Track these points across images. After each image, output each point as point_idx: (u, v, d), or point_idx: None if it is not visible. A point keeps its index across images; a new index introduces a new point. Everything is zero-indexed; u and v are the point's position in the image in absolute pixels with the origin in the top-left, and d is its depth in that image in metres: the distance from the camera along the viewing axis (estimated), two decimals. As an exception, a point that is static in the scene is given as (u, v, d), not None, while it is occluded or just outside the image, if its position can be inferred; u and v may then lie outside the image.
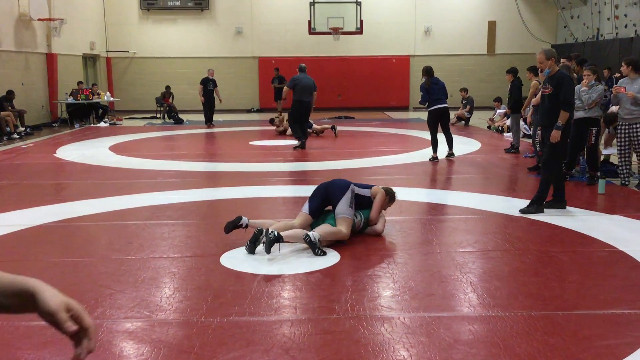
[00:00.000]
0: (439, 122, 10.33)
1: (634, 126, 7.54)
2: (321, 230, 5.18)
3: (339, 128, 14.62)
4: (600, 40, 18.27)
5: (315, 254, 5.02)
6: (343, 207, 5.39)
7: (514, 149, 11.16)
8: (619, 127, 7.71)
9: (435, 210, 6.81)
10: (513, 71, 11.34)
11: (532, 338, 3.45)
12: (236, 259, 4.95)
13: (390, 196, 5.80)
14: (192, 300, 4.10)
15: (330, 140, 13.61)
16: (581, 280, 4.47)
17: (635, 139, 7.56)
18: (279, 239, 4.92)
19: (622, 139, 7.67)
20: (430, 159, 10.25)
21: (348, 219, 5.37)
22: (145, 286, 4.35)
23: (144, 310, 3.92)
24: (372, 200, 5.67)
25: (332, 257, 4.98)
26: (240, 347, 3.35)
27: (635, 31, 16.24)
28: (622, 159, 7.80)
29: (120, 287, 4.33)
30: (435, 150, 10.31)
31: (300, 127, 11.90)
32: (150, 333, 3.57)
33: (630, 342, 3.37)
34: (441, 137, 10.46)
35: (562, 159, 6.74)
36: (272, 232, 4.92)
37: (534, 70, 9.94)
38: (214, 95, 16.45)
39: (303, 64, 12.39)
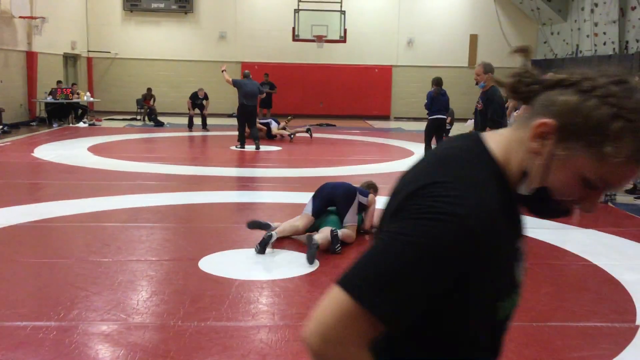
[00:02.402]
0: (435, 131, 10.59)
1: None
2: (341, 232, 5.47)
3: (320, 135, 14.69)
4: (579, 56, 18.59)
5: (334, 250, 5.25)
6: (351, 217, 5.67)
7: None
8: None
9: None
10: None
11: (507, 349, 3.47)
12: (214, 264, 4.94)
13: (374, 189, 6.19)
14: (169, 304, 4.09)
15: (312, 146, 13.65)
16: (555, 292, 4.54)
17: None
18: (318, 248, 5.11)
19: None
20: None
21: (355, 225, 5.70)
22: (122, 289, 4.32)
23: (120, 313, 3.89)
24: (367, 206, 5.92)
25: (311, 265, 4.99)
26: (217, 352, 3.34)
27: (614, 49, 16.57)
28: None
29: (96, 289, 4.30)
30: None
31: (244, 131, 12.89)
32: (127, 336, 3.55)
33: (602, 354, 3.43)
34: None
35: None
36: (315, 241, 5.07)
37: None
38: (203, 104, 16.58)
39: (247, 71, 13.59)
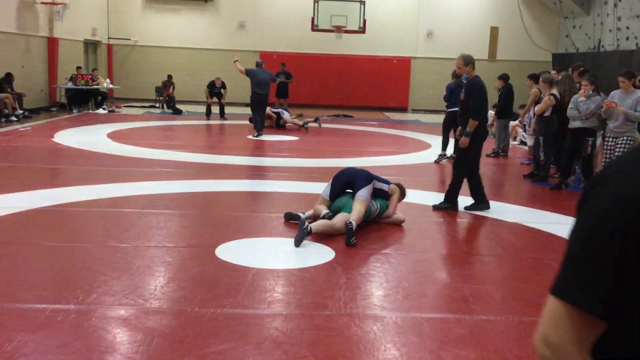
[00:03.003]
0: (453, 124, 10.57)
1: (620, 139, 7.49)
2: (354, 218, 5.49)
3: (337, 126, 14.68)
4: (601, 51, 18.34)
5: (350, 243, 5.24)
6: (363, 193, 5.75)
7: (494, 153, 11.32)
8: (606, 140, 7.69)
9: (431, 212, 6.85)
10: (505, 77, 11.53)
11: (523, 343, 3.48)
12: (231, 252, 4.97)
13: (402, 193, 6.21)
14: (186, 290, 4.12)
15: (328, 137, 13.65)
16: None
17: (620, 152, 7.49)
18: (309, 233, 5.21)
19: (608, 152, 7.63)
20: (438, 156, 10.56)
21: (364, 201, 5.72)
22: (140, 274, 4.37)
23: (138, 298, 3.93)
24: (388, 194, 6.05)
25: (327, 255, 5.00)
26: (233, 339, 3.37)
27: (637, 44, 16.32)
28: None
29: (114, 274, 4.35)
30: (443, 148, 10.58)
31: (258, 117, 13.07)
32: (144, 321, 3.59)
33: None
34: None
35: (471, 165, 6.77)
36: (307, 226, 5.17)
37: (534, 77, 9.99)
38: (221, 93, 16.64)
39: (260, 60, 13.86)
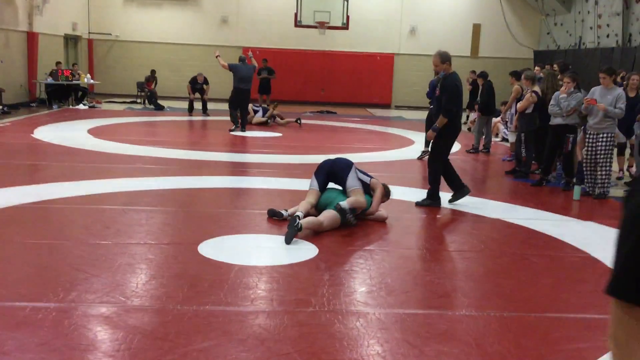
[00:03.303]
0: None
1: (600, 136, 7.55)
2: (348, 201, 5.60)
3: (321, 122, 14.67)
4: (582, 48, 18.52)
5: (348, 221, 5.48)
6: (352, 181, 5.84)
7: (473, 149, 11.40)
8: (587, 137, 7.75)
9: (414, 209, 6.87)
10: (483, 75, 11.71)
11: (504, 338, 3.51)
12: (214, 248, 4.95)
13: (386, 192, 6.20)
14: (169, 287, 4.09)
15: (312, 134, 13.64)
16: (553, 283, 4.55)
17: (601, 148, 7.57)
18: (300, 230, 5.20)
19: (590, 149, 7.69)
20: (421, 153, 10.55)
21: (358, 189, 5.82)
22: (121, 272, 4.33)
23: (119, 295, 3.90)
24: (371, 189, 6.06)
25: (310, 251, 5.00)
26: (216, 336, 3.36)
27: (617, 41, 16.51)
28: (588, 169, 7.78)
29: (95, 271, 4.30)
30: (426, 145, 10.58)
31: (236, 113, 13.16)
32: (125, 318, 3.56)
33: (599, 346, 3.45)
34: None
35: (442, 159, 6.91)
36: (297, 223, 5.16)
37: (516, 74, 10.06)
38: (204, 88, 16.56)
39: (243, 55, 13.92)
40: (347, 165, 5.99)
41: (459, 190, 6.89)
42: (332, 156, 6.39)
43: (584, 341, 3.52)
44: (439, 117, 6.63)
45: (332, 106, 20.82)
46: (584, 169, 7.85)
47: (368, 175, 6.21)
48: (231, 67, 13.12)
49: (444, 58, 6.68)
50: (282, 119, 14.81)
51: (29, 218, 5.76)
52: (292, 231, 5.14)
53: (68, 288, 3.95)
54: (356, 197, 5.72)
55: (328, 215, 5.52)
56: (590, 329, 3.71)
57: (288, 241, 5.11)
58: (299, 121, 14.86)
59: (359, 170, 6.14)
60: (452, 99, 6.63)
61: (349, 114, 18.93)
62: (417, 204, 6.82)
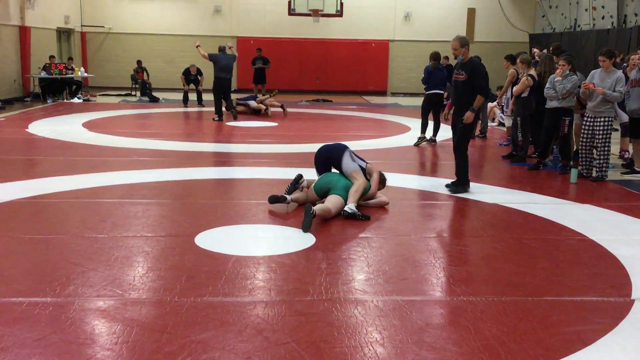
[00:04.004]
0: (432, 107, 10.63)
1: (598, 120, 7.54)
2: (351, 200, 5.63)
3: (317, 111, 14.62)
4: (577, 30, 18.45)
5: (357, 217, 5.54)
6: (348, 164, 5.93)
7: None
8: (585, 120, 7.73)
9: (411, 195, 6.86)
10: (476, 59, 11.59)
11: (502, 323, 3.50)
12: (211, 240, 4.93)
13: (382, 179, 6.23)
14: (166, 279, 4.08)
15: (308, 122, 13.60)
16: (551, 267, 4.55)
17: (599, 132, 7.56)
18: (315, 216, 5.27)
19: (586, 132, 7.67)
20: (417, 139, 10.51)
21: (358, 171, 5.92)
22: (118, 265, 4.32)
23: (116, 288, 3.89)
24: (367, 174, 6.09)
25: (307, 240, 4.99)
26: (214, 327, 3.35)
27: (612, 23, 16.44)
28: (584, 152, 7.77)
29: (92, 265, 4.29)
30: (422, 131, 10.54)
31: (220, 103, 13.34)
32: (123, 312, 3.55)
33: (597, 329, 3.45)
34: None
35: (468, 141, 7.02)
36: (312, 210, 5.23)
37: (511, 58, 10.02)
38: (198, 79, 16.51)
39: (222, 45, 13.88)
40: (339, 148, 6.09)
41: (462, 185, 6.88)
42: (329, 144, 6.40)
43: (582, 324, 3.52)
44: (477, 98, 6.62)
45: (327, 94, 20.76)
46: (580, 152, 7.84)
47: (364, 161, 6.22)
48: (211, 57, 13.26)
49: (463, 42, 6.72)
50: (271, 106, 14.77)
51: (24, 213, 5.74)
52: (310, 218, 5.20)
53: (65, 282, 3.93)
54: (357, 185, 5.79)
55: (334, 202, 5.60)
56: (588, 312, 3.71)
57: (306, 229, 5.17)
58: (282, 107, 14.78)
59: (354, 154, 6.19)
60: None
61: (345, 102, 18.87)
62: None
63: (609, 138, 7.63)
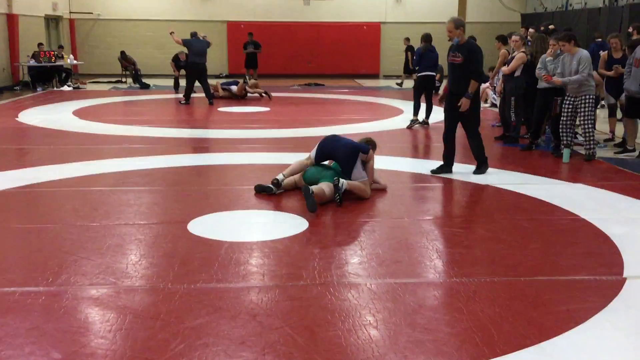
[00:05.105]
0: (424, 89, 10.57)
1: (579, 99, 7.56)
2: (351, 184, 5.64)
3: (309, 95, 14.56)
4: (569, 10, 18.39)
5: (335, 199, 5.46)
6: (358, 174, 5.80)
7: None
8: (566, 98, 7.73)
9: (404, 178, 6.86)
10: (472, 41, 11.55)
11: (495, 303, 3.52)
12: (203, 226, 4.92)
13: (373, 146, 6.18)
14: (159, 267, 4.08)
15: (301, 107, 13.55)
16: (543, 247, 4.56)
17: (581, 109, 7.57)
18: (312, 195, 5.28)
19: (568, 108, 7.68)
20: (410, 122, 10.47)
21: (365, 180, 5.81)
22: (111, 253, 4.31)
23: (109, 277, 3.88)
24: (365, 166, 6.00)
25: (300, 225, 4.99)
26: (208, 314, 3.35)
27: (604, 1, 16.38)
28: (564, 129, 7.76)
29: (85, 253, 4.28)
30: (415, 114, 10.51)
31: (192, 87, 13.67)
32: (116, 300, 3.54)
33: (589, 307, 3.47)
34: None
35: (479, 122, 7.00)
36: (311, 190, 5.23)
37: (502, 39, 9.97)
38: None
39: (194, 31, 14.11)
40: (349, 155, 5.81)
41: (446, 168, 6.88)
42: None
43: (574, 303, 3.54)
44: (471, 83, 6.47)
45: (319, 78, 20.65)
46: (560, 128, 7.79)
47: (366, 152, 6.08)
48: (185, 42, 13.46)
49: (457, 24, 6.56)
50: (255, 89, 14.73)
51: (16, 202, 5.71)
52: (312, 199, 5.20)
53: (57, 271, 3.92)
54: (364, 187, 5.74)
55: (327, 184, 5.56)
56: (580, 291, 3.73)
57: (313, 208, 5.18)
58: (267, 93, 14.72)
59: (360, 148, 6.00)
60: (481, 63, 6.65)
61: (337, 86, 18.80)
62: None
63: (593, 115, 7.68)
